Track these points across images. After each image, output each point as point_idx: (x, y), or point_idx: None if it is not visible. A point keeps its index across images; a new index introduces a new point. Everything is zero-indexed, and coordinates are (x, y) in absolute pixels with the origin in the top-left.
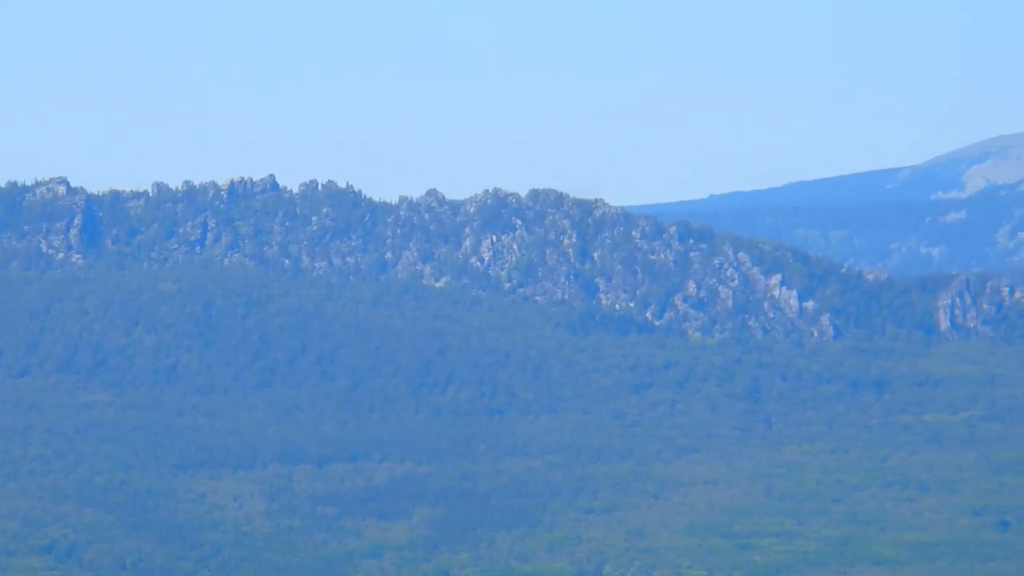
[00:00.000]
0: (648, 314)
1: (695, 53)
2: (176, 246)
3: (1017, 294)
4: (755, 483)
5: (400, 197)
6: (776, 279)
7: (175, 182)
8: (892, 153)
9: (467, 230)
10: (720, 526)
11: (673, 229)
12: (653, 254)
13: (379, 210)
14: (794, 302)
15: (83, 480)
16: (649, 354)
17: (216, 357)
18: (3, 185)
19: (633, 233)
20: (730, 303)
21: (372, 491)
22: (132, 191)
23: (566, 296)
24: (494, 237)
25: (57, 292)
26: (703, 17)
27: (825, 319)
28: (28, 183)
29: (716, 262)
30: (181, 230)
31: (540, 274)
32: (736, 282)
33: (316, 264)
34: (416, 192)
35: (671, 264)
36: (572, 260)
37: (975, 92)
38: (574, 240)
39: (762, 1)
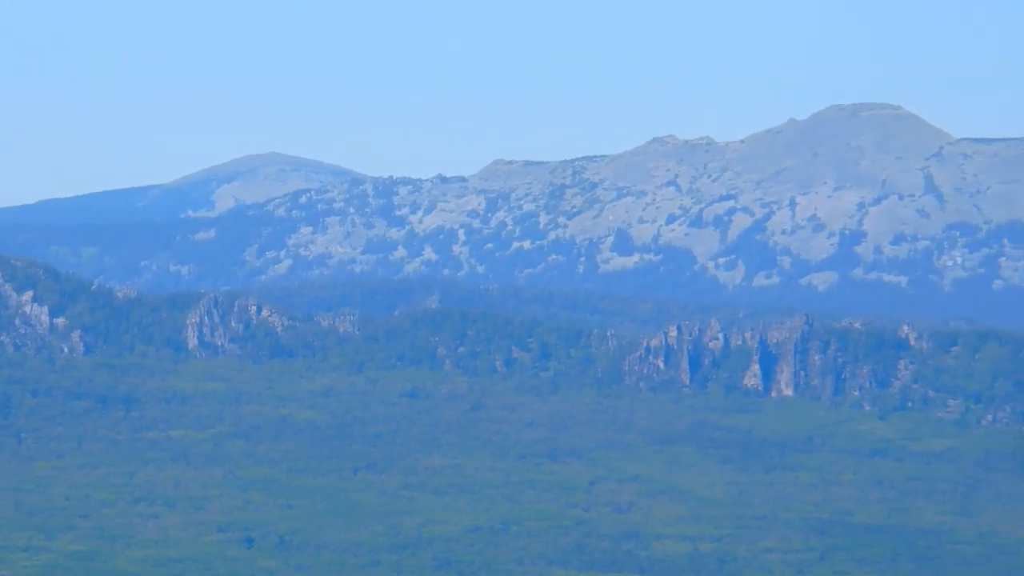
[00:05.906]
0: None
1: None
2: None
3: (265, 312)
4: (5, 497)
5: None
6: (28, 295)
7: None
8: (143, 171)
9: None
10: None
11: None
12: None
13: None
14: (45, 318)
15: None
16: None
17: None
18: None
19: None
20: None
21: None
22: None
23: None
24: None
25: None
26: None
27: (76, 335)
28: None
29: None
30: None
31: None
32: None
33: None
34: None
35: None
36: None
37: (242, 106)
38: None
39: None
